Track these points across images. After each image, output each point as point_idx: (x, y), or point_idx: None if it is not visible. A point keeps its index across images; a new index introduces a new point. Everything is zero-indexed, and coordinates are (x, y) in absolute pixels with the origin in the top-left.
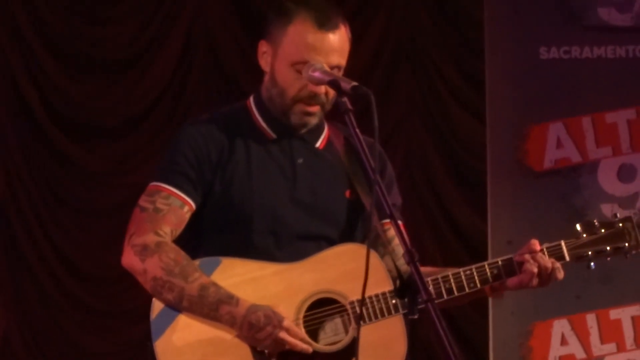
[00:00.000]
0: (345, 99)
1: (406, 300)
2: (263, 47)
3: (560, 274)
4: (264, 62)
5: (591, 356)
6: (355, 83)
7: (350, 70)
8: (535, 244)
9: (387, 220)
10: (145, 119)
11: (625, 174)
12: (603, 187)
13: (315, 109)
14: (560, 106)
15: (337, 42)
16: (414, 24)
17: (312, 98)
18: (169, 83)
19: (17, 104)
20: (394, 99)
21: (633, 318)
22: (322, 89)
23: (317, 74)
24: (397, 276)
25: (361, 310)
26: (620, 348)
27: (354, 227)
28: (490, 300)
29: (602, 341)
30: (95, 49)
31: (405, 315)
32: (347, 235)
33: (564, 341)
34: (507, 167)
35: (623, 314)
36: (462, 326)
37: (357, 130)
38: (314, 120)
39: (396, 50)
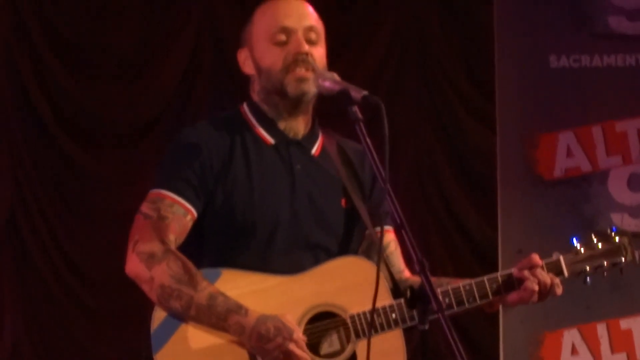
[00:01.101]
0: (355, 108)
1: (416, 311)
2: (242, 55)
3: (559, 290)
4: (247, 67)
5: None
6: (365, 92)
7: (359, 76)
8: (536, 259)
9: (387, 228)
10: (154, 125)
11: (635, 183)
12: (613, 196)
13: (308, 74)
14: (570, 115)
15: (303, 6)
16: (424, 31)
17: (300, 61)
18: (178, 89)
19: (26, 110)
20: (403, 107)
21: None
22: (306, 48)
23: (327, 84)
24: (392, 284)
25: (372, 320)
26: (631, 358)
27: (350, 236)
28: (500, 309)
29: (613, 351)
30: (104, 55)
31: (415, 325)
32: (343, 245)
33: (574, 351)
34: (517, 176)
35: (634, 324)
36: (472, 336)
37: (368, 140)
38: (310, 87)
39: (405, 58)
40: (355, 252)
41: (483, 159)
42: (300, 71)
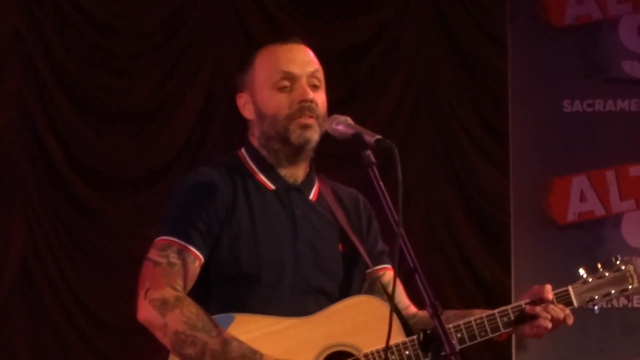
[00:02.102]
0: (369, 152)
1: (430, 354)
2: (241, 100)
3: (570, 320)
4: (247, 111)
5: None
6: (379, 136)
7: (373, 122)
8: (548, 293)
9: (381, 267)
10: (167, 170)
11: None
12: (627, 240)
13: (311, 120)
14: (583, 159)
15: (305, 52)
16: (436, 75)
17: (305, 109)
18: (191, 135)
19: (38, 154)
20: (416, 150)
21: None
22: (310, 95)
23: (340, 127)
24: (400, 321)
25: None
26: None
27: (350, 279)
28: (513, 352)
29: None
30: (118, 100)
31: None
32: (344, 288)
33: None
34: (531, 220)
35: None
36: None
37: (381, 184)
38: (314, 134)
39: (418, 102)
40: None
41: (496, 204)
42: (305, 119)
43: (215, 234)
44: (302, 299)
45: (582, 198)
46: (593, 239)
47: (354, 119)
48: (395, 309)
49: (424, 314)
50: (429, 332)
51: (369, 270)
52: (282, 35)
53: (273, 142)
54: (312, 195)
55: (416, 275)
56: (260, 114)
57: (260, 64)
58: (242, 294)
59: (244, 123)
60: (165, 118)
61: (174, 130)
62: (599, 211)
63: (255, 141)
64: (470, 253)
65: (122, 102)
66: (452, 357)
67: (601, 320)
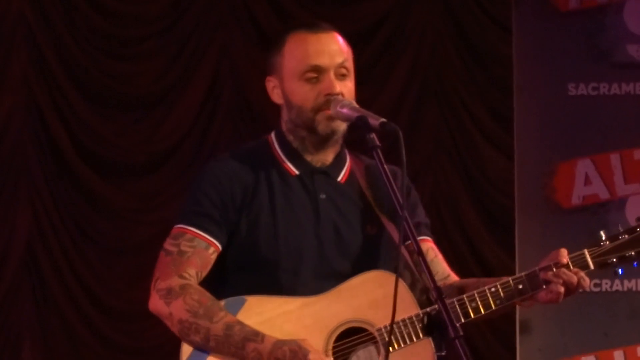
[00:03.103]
0: (373, 135)
1: (434, 336)
2: (270, 83)
3: (586, 282)
4: (276, 95)
5: None
6: (383, 119)
7: (378, 107)
8: (562, 256)
9: (423, 238)
10: (172, 155)
11: None
12: (631, 223)
13: None
14: (588, 143)
15: (334, 42)
16: (442, 61)
17: (330, 102)
18: (196, 120)
19: (44, 141)
20: (422, 136)
21: None
22: (338, 89)
23: (345, 110)
24: (420, 292)
25: (390, 337)
26: None
27: (375, 263)
28: (517, 336)
29: None
30: (123, 86)
31: (436, 345)
32: (370, 270)
33: None
34: (535, 204)
35: None
36: None
37: (385, 167)
38: (340, 125)
39: (424, 88)
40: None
41: (501, 188)
42: (331, 112)
43: (232, 220)
44: (325, 283)
45: (587, 182)
46: (598, 223)
47: (359, 104)
48: (412, 281)
49: (465, 281)
50: (433, 315)
51: (406, 243)
52: (313, 21)
53: (300, 130)
54: (341, 177)
55: (420, 259)
56: (288, 102)
57: (289, 52)
58: (262, 279)
59: (249, 108)
60: (170, 103)
61: (179, 116)
62: (604, 195)
63: (283, 125)
64: (475, 237)
65: (128, 87)
66: (456, 341)
67: (606, 304)
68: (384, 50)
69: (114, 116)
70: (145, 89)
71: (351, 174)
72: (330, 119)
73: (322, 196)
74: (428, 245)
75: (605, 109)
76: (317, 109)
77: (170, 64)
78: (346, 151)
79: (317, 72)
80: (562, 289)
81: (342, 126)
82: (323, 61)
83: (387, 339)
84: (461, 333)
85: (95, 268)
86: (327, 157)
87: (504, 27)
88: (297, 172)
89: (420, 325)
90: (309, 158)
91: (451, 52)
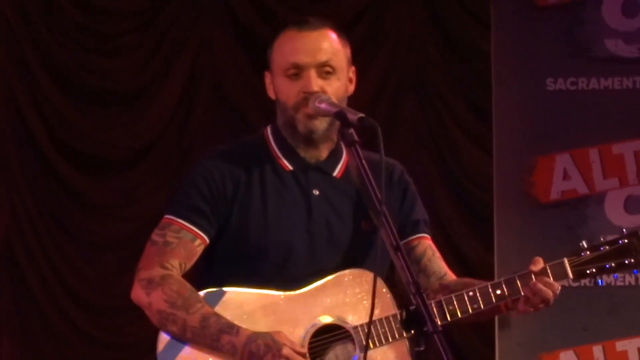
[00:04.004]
0: (351, 131)
1: (413, 331)
2: (267, 79)
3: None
4: (271, 91)
5: None
6: (361, 114)
7: (356, 101)
8: (539, 263)
9: (414, 237)
10: (150, 150)
11: (632, 205)
12: (610, 218)
13: None
14: (567, 137)
15: (320, 40)
16: (420, 55)
17: (308, 100)
18: (174, 115)
19: (23, 135)
20: (400, 131)
21: (639, 350)
22: (314, 88)
23: (323, 105)
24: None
25: (368, 336)
26: None
27: (365, 258)
28: (496, 331)
29: None
30: (101, 81)
31: (411, 345)
32: (362, 266)
33: None
34: (514, 199)
35: (629, 346)
36: (468, 357)
37: (363, 162)
38: (319, 124)
39: (402, 82)
40: (381, 274)
41: (480, 183)
42: (309, 109)
43: (223, 214)
44: (314, 278)
45: (566, 176)
46: (576, 218)
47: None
48: (391, 282)
49: (462, 280)
50: (411, 309)
51: (403, 241)
52: (304, 19)
53: (286, 126)
54: (336, 172)
55: (399, 254)
56: (277, 97)
57: (277, 48)
58: (249, 272)
59: (228, 102)
60: (149, 98)
61: (158, 110)
62: (582, 189)
63: (279, 121)
64: (453, 232)
65: (106, 82)
66: (435, 335)
67: (585, 299)
68: (362, 45)
69: (93, 111)
70: (124, 83)
71: (347, 169)
72: (309, 117)
73: (315, 192)
74: (426, 243)
75: (583, 103)
76: (297, 107)
77: (149, 59)
78: (343, 146)
79: (298, 70)
80: (532, 307)
81: (322, 125)
82: (303, 59)
83: (362, 336)
84: (440, 328)
85: (74, 263)
86: (321, 153)
87: (482, 21)
88: (291, 167)
89: (399, 322)
90: (302, 154)
91: (429, 46)
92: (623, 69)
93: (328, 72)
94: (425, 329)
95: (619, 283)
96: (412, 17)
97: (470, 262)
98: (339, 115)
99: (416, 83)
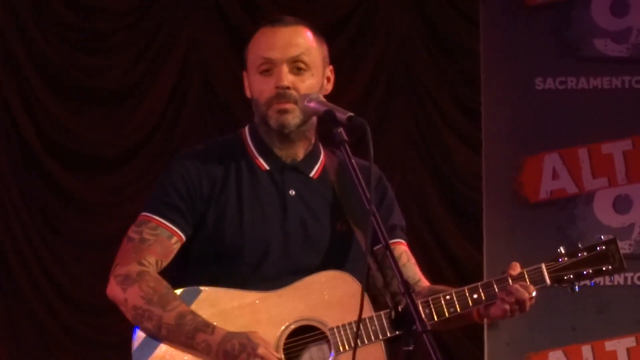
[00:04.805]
0: (340, 130)
1: (401, 331)
2: (244, 78)
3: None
4: (247, 90)
5: None
6: (350, 113)
7: (345, 100)
8: (516, 267)
9: (396, 241)
10: (140, 149)
11: (621, 205)
12: (599, 218)
13: (288, 105)
14: (556, 137)
15: (292, 35)
16: (410, 55)
17: (280, 95)
18: (164, 114)
19: (12, 134)
20: (389, 130)
21: (628, 350)
22: (285, 82)
23: (312, 104)
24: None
25: (356, 337)
26: None
27: (343, 260)
28: (485, 331)
29: None
30: (91, 79)
31: (400, 345)
32: (337, 267)
33: None
34: (503, 198)
35: (618, 346)
36: (457, 357)
37: (353, 161)
38: (291, 119)
39: (391, 81)
40: (359, 275)
41: (469, 182)
42: (281, 104)
43: (198, 211)
44: (289, 278)
45: (555, 176)
46: (565, 217)
47: (326, 97)
48: (366, 286)
49: (437, 287)
50: (400, 309)
51: (377, 246)
52: (279, 17)
53: (261, 124)
54: (313, 173)
55: (388, 253)
56: (251, 95)
57: (251, 46)
58: (223, 271)
59: (217, 101)
60: (138, 97)
61: (147, 109)
62: (571, 189)
63: (255, 120)
64: (442, 231)
65: (95, 81)
66: (424, 335)
67: (574, 298)
68: (352, 44)
69: (82, 110)
70: (113, 82)
71: (324, 170)
72: (280, 112)
73: (291, 192)
74: (401, 248)
75: (572, 103)
76: (269, 103)
77: (139, 58)
78: (321, 147)
79: (270, 65)
80: (507, 307)
81: (293, 120)
82: (273, 54)
83: (337, 338)
84: (429, 327)
85: (64, 262)
86: (298, 152)
87: (471, 21)
88: (267, 167)
89: (377, 327)
90: (279, 153)
91: (419, 45)
92: (612, 69)
93: (300, 68)
94: (413, 328)
95: (607, 283)
96: (402, 17)
97: (459, 261)
98: (328, 114)
99: (406, 83)
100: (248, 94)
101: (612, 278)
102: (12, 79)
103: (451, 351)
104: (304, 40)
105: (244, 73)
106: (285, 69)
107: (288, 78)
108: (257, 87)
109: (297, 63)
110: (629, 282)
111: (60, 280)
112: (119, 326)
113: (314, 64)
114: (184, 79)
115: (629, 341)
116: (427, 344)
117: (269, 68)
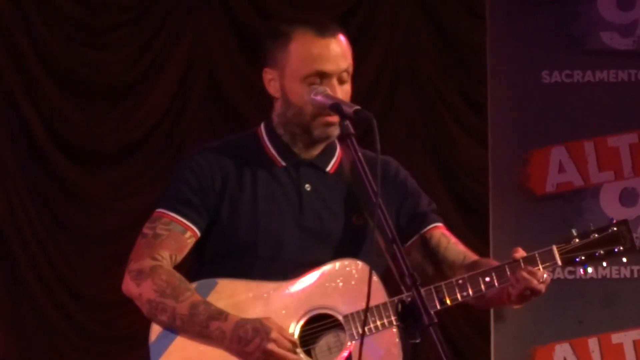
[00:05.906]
0: (347, 123)
1: (408, 323)
2: (268, 75)
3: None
4: (273, 88)
5: None
6: (357, 107)
7: (351, 94)
8: (516, 252)
9: (426, 229)
10: (144, 143)
11: (627, 198)
12: (605, 211)
13: (335, 118)
14: (562, 130)
15: (340, 46)
16: (415, 48)
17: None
18: (169, 108)
19: (17, 127)
20: (395, 123)
21: (635, 342)
22: (341, 96)
23: (319, 98)
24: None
25: (364, 326)
26: None
27: (358, 253)
28: (492, 324)
29: None
30: (96, 73)
31: (407, 338)
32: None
33: None
34: (509, 191)
35: (625, 338)
36: (463, 350)
37: (360, 154)
38: (335, 131)
39: (397, 74)
40: (379, 268)
41: (475, 175)
42: (329, 117)
43: (213, 207)
44: (303, 272)
45: (561, 169)
46: (571, 210)
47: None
48: (382, 271)
49: (485, 260)
50: (407, 302)
51: (415, 236)
52: (321, 22)
53: (294, 127)
54: (329, 167)
55: (395, 246)
56: (286, 100)
57: (296, 52)
58: (238, 266)
59: (222, 96)
60: (142, 92)
61: (151, 104)
62: (578, 182)
63: (275, 118)
64: (449, 225)
65: (100, 75)
66: (430, 328)
67: (580, 291)
68: (357, 38)
69: (87, 104)
70: (117, 77)
71: (341, 165)
72: (327, 125)
73: (307, 187)
74: (438, 232)
75: (579, 96)
76: (316, 115)
77: (143, 52)
78: (336, 141)
79: (320, 78)
80: (517, 293)
81: (336, 131)
82: (329, 67)
83: (352, 325)
84: (435, 320)
85: (68, 256)
86: (316, 150)
87: (477, 14)
88: (284, 163)
89: (391, 313)
90: (298, 151)
91: (424, 39)
92: (618, 62)
93: (344, 80)
94: (421, 321)
95: (614, 275)
96: (407, 10)
97: None
98: (335, 108)
99: (411, 76)
100: (274, 92)
101: (618, 271)
102: (18, 74)
103: (458, 344)
104: (348, 51)
105: (268, 70)
106: (335, 82)
107: (339, 92)
108: (301, 95)
109: (344, 74)
110: (635, 275)
111: (66, 274)
112: (123, 320)
113: (351, 71)
114: (189, 73)
115: (636, 334)
116: (433, 337)
117: (319, 80)
